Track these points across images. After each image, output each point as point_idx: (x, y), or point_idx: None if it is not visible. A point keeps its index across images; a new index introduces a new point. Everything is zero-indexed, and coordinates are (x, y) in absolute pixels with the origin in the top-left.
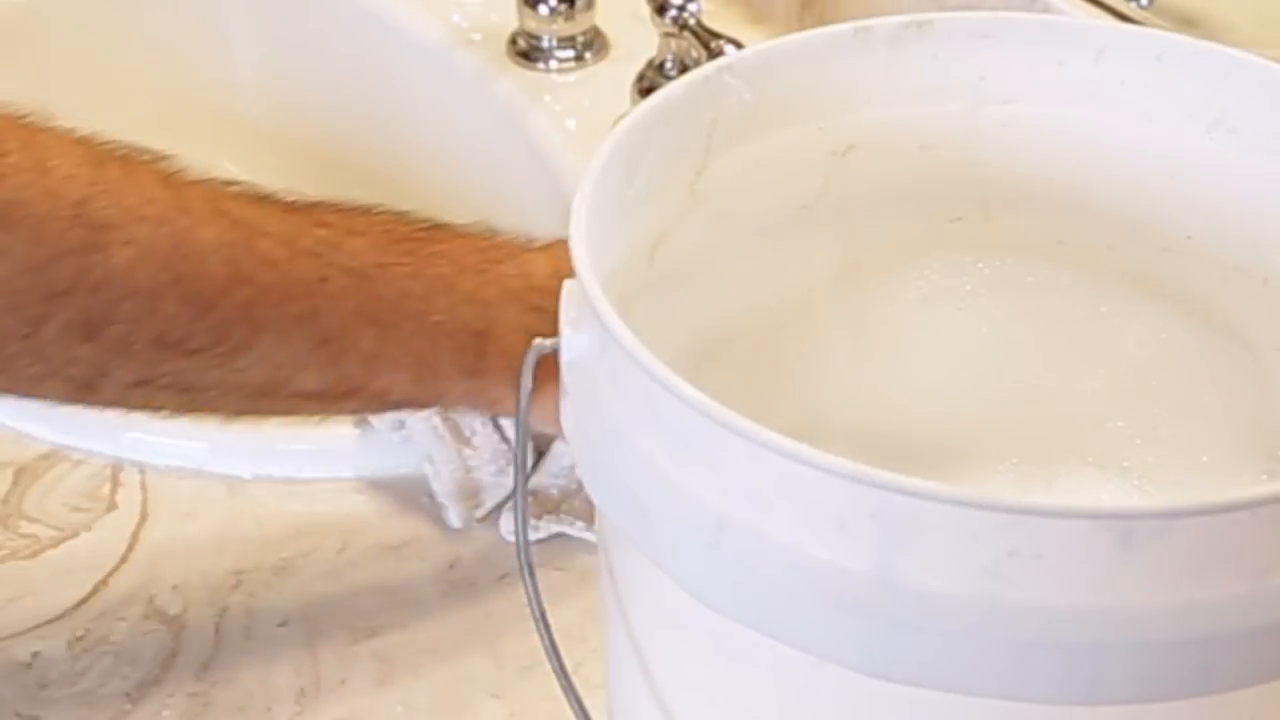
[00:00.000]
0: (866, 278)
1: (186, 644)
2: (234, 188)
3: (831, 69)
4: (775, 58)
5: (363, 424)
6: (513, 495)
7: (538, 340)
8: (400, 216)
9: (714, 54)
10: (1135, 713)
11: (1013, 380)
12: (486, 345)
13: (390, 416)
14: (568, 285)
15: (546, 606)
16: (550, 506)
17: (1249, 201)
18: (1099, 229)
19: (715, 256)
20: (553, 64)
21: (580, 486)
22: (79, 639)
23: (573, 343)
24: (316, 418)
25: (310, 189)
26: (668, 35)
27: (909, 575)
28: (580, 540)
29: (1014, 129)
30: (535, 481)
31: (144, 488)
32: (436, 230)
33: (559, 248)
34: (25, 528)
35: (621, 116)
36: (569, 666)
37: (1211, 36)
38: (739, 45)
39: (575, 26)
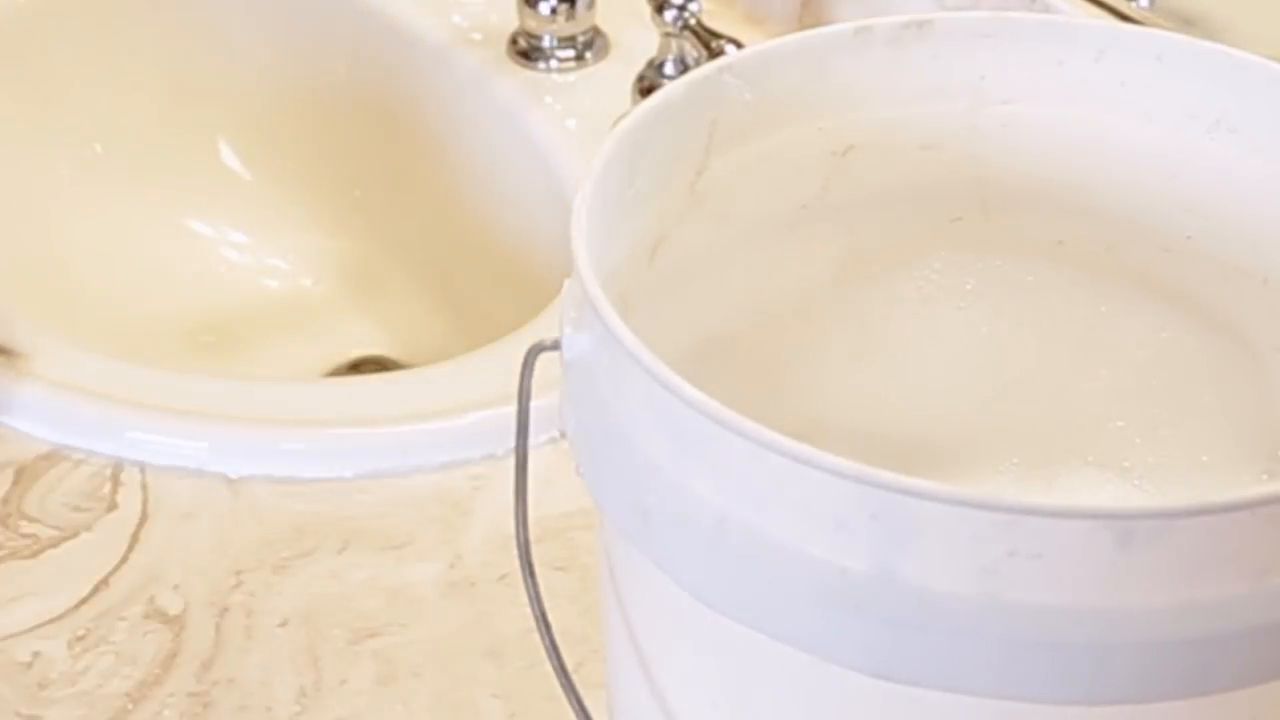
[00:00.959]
0: (866, 278)
1: (186, 644)
2: None
3: (831, 69)
4: (775, 58)
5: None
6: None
7: (537, 340)
8: None
9: (714, 54)
10: (1135, 713)
11: (1013, 380)
12: None
13: None
14: (568, 285)
15: (546, 606)
16: None
17: (1249, 201)
18: (1099, 229)
19: (715, 256)
20: (553, 64)
21: None
22: (79, 639)
23: (573, 343)
24: None
25: (310, 188)
26: (668, 35)
27: (909, 575)
28: (580, 540)
29: (1014, 129)
30: None
31: (144, 488)
32: None
33: None
34: (25, 528)
35: (621, 116)
36: (569, 666)
37: (1211, 36)
38: (739, 45)
39: (575, 26)
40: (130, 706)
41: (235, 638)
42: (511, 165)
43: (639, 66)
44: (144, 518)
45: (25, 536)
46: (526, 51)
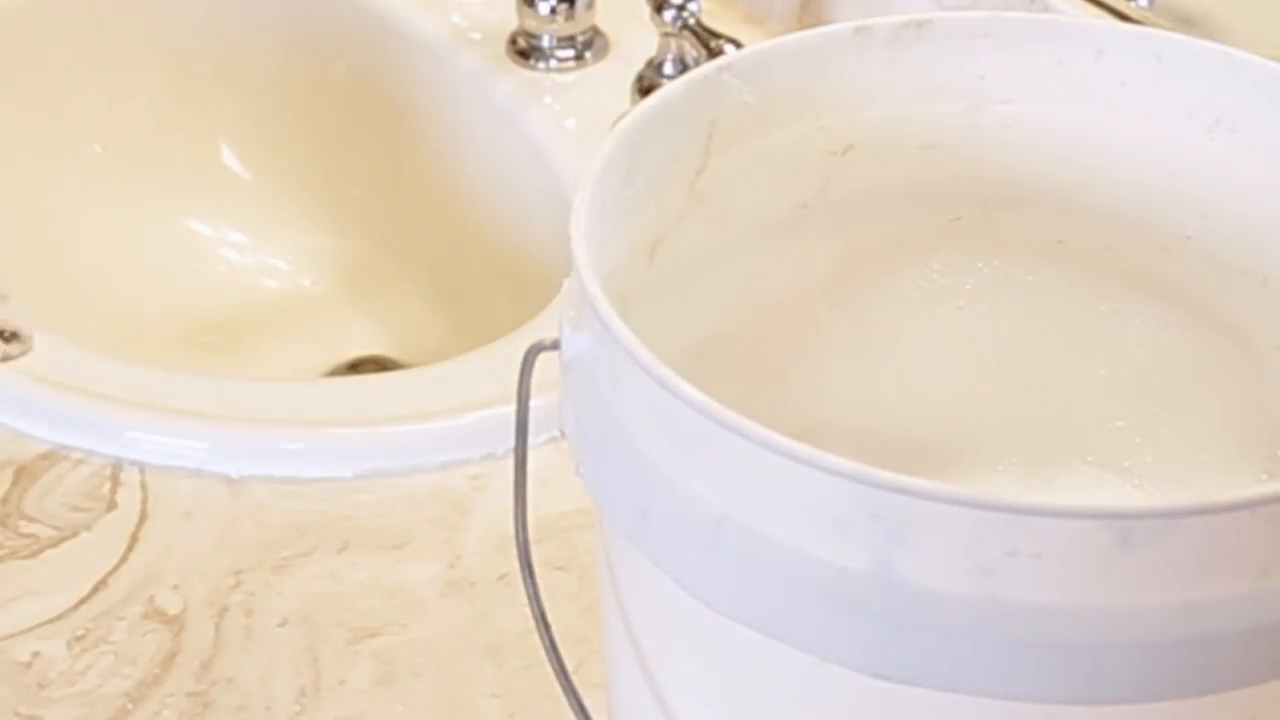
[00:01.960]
0: (866, 278)
1: (186, 644)
2: None
3: (831, 68)
4: (775, 57)
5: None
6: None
7: (537, 340)
8: None
9: (714, 54)
10: (1134, 712)
11: (1013, 380)
12: None
13: None
14: (567, 285)
15: (546, 606)
16: None
17: (1249, 201)
18: (1099, 229)
19: (715, 256)
20: (552, 63)
21: None
22: (79, 639)
23: (573, 342)
24: None
25: (310, 188)
26: (667, 35)
27: (909, 575)
28: (580, 540)
29: (1014, 129)
30: None
31: (144, 488)
32: None
33: None
34: (25, 528)
35: (621, 116)
36: (569, 666)
37: (1211, 36)
38: (739, 45)
39: (575, 26)
40: (130, 706)
41: (235, 637)
42: (511, 165)
43: (638, 66)
44: (143, 517)
45: (25, 536)
46: (526, 51)
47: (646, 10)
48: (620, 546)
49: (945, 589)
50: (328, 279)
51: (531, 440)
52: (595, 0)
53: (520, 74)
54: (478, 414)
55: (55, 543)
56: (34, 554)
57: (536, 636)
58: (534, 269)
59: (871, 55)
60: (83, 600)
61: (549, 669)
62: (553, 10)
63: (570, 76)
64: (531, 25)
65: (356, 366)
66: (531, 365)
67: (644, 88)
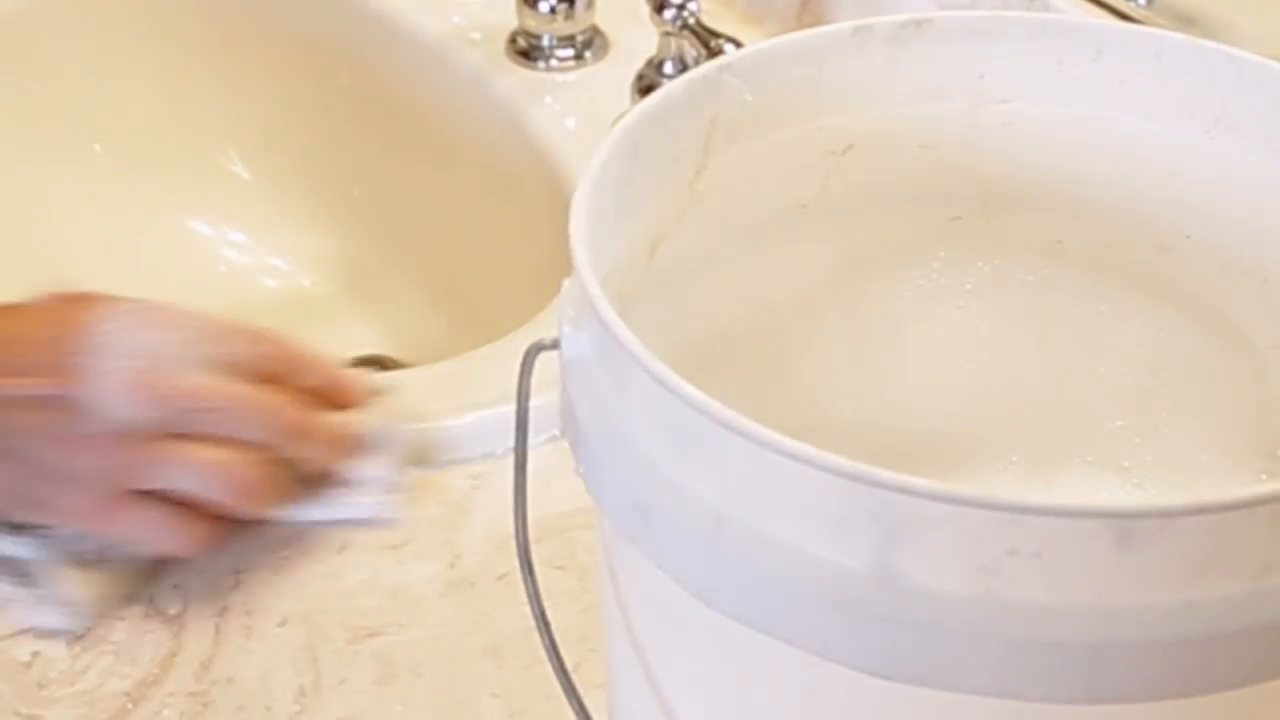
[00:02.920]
0: (866, 277)
1: (186, 644)
2: None
3: (831, 68)
4: (775, 57)
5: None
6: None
7: (537, 339)
8: None
9: (714, 53)
10: (1134, 711)
11: (1012, 380)
12: None
13: None
14: (567, 284)
15: (546, 606)
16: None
17: (1249, 201)
18: (1099, 229)
19: (715, 256)
20: (552, 63)
21: None
22: (79, 639)
23: (573, 342)
24: None
25: (310, 188)
26: (667, 34)
27: (909, 574)
28: (580, 540)
29: (1014, 128)
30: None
31: None
32: None
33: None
34: None
35: (621, 116)
36: (569, 666)
37: (1211, 36)
38: (739, 45)
39: (575, 25)
40: (130, 706)
41: (234, 637)
42: (511, 164)
43: (638, 66)
44: None
45: None
46: (526, 51)
47: (646, 10)
48: (620, 546)
49: (945, 588)
50: (328, 279)
51: (531, 440)
52: (595, 0)
53: (520, 74)
54: (478, 413)
55: None
56: None
57: (536, 636)
58: (534, 268)
59: (871, 55)
60: None
61: (549, 668)
62: (553, 10)
63: (570, 76)
64: (531, 25)
65: (356, 366)
66: (531, 365)
67: (644, 87)
